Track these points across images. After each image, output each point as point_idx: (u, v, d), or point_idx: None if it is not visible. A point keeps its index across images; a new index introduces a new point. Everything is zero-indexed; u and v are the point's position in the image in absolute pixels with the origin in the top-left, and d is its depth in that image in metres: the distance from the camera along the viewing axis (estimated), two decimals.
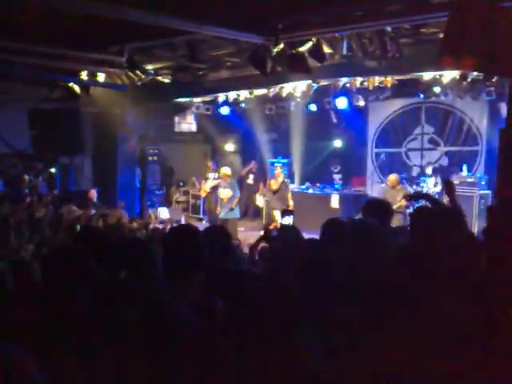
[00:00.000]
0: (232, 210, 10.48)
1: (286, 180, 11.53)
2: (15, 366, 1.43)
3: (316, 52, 7.89)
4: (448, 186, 4.53)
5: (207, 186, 12.82)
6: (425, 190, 11.39)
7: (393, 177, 10.05)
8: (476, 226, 10.16)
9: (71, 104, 11.53)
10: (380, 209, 4.25)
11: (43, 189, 11.40)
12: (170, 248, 2.81)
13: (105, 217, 8.88)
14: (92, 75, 10.06)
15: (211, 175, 12.76)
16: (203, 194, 13.26)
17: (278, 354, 2.12)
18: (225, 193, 10.56)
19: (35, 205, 9.58)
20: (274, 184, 11.22)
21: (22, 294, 2.93)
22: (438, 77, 9.74)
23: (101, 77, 10.12)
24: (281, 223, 5.16)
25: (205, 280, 2.69)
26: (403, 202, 9.59)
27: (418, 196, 4.78)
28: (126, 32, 7.98)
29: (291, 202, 11.01)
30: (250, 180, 14.73)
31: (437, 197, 11.50)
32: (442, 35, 7.61)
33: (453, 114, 12.48)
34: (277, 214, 10.54)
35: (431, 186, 11.58)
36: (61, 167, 12.74)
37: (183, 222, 13.67)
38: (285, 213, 5.52)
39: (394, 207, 9.39)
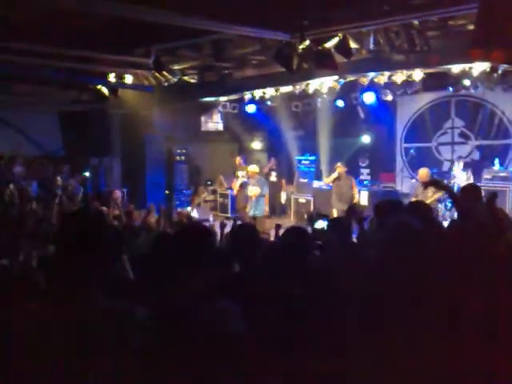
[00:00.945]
0: (260, 207, 10.49)
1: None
2: None
3: (342, 47, 7.83)
4: (490, 200, 4.37)
5: (238, 184, 12.83)
6: (456, 186, 11.20)
7: (423, 171, 9.90)
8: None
9: (100, 106, 11.70)
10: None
11: (76, 189, 11.57)
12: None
13: (129, 214, 8.99)
14: (120, 77, 10.19)
15: (240, 173, 12.75)
16: (235, 192, 13.24)
17: None
18: (253, 190, 10.58)
19: (65, 204, 9.73)
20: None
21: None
22: (467, 69, 9.56)
23: (128, 78, 10.24)
24: (313, 228, 5.09)
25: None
26: (435, 197, 9.45)
27: (434, 184, 4.61)
28: (152, 33, 8.06)
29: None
30: (273, 177, 14.73)
31: None
32: (470, 27, 7.51)
33: (483, 107, 12.24)
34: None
35: (463, 180, 11.37)
36: (91, 169, 12.93)
37: (211, 220, 13.74)
38: (318, 217, 5.42)
39: (427, 202, 9.28)
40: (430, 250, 3.02)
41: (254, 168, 10.92)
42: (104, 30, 7.82)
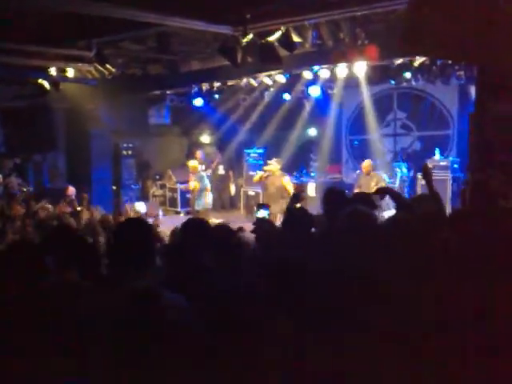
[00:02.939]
0: (202, 201, 10.55)
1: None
2: None
3: (285, 41, 7.89)
4: (425, 171, 4.52)
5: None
6: (398, 176, 11.53)
7: (366, 163, 10.13)
8: (449, 208, 10.31)
9: (42, 101, 11.38)
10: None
11: (16, 187, 11.25)
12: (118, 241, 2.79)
13: (79, 213, 8.82)
14: (61, 71, 9.94)
15: (200, 167, 12.63)
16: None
17: None
18: (192, 185, 10.66)
19: (9, 203, 9.47)
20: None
21: None
22: (407, 62, 9.82)
23: (70, 72, 10.00)
24: (256, 217, 5.19)
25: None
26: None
27: (382, 192, 4.76)
28: (93, 26, 7.90)
29: None
30: (221, 170, 14.80)
31: (409, 181, 11.71)
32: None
33: (424, 99, 12.62)
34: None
35: (405, 171, 11.73)
36: (34, 165, 12.59)
37: (161, 215, 13.64)
38: (260, 206, 5.55)
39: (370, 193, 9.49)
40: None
41: (193, 163, 10.94)
42: (44, 22, 7.62)
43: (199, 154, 13.94)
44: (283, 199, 9.29)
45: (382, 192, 4.61)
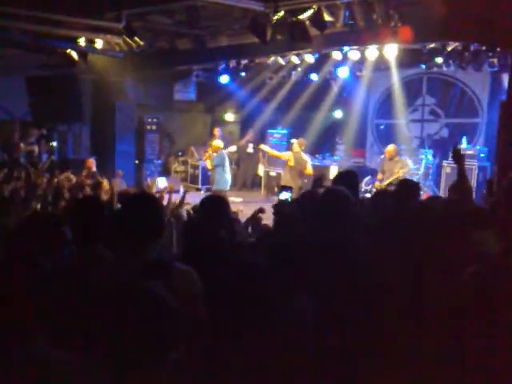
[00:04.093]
0: (219, 181, 10.47)
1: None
2: None
3: (316, 20, 7.76)
4: (457, 154, 4.31)
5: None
6: (423, 162, 11.36)
7: (390, 148, 10.00)
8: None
9: (69, 71, 11.39)
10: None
11: (41, 156, 11.34)
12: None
13: (99, 185, 8.84)
14: (90, 42, 9.92)
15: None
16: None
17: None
18: (209, 165, 10.61)
19: (31, 173, 9.52)
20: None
21: None
22: (440, 47, 9.60)
23: (99, 43, 9.97)
24: (278, 198, 5.15)
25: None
26: (400, 174, 9.56)
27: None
28: None
29: None
30: (250, 149, 14.70)
31: (434, 169, 11.52)
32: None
33: (454, 86, 12.37)
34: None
35: (430, 158, 11.55)
36: (59, 135, 12.67)
37: (182, 191, 13.65)
38: (282, 188, 5.48)
39: (391, 179, 9.40)
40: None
41: (217, 143, 10.85)
42: None
43: (217, 131, 13.88)
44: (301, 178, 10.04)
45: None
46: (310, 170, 10.17)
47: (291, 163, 10.21)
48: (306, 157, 10.35)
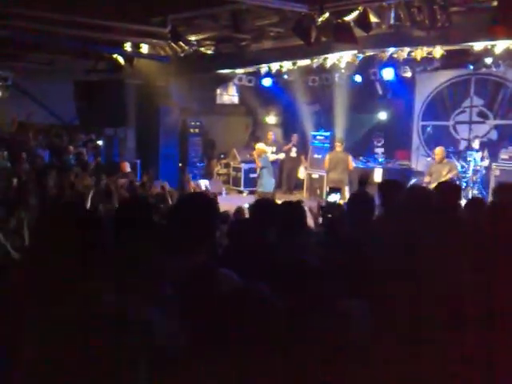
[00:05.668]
0: (262, 184, 10.61)
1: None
2: None
3: (362, 21, 7.67)
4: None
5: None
6: (472, 165, 11.08)
7: (439, 150, 9.79)
8: None
9: (115, 76, 11.62)
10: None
11: (89, 158, 11.59)
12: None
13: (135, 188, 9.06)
14: (135, 47, 10.10)
15: (269, 148, 12.53)
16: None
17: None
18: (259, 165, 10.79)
19: (80, 175, 9.74)
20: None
21: None
22: (489, 47, 9.33)
23: (144, 48, 10.15)
24: (326, 201, 5.12)
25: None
26: (448, 177, 9.36)
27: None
28: (168, 2, 7.95)
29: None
30: (293, 153, 14.65)
31: (484, 172, 11.21)
32: (494, 3, 7.30)
33: (504, 86, 11.99)
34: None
35: (478, 160, 11.24)
36: (106, 139, 12.93)
37: (224, 194, 13.76)
38: (332, 190, 5.45)
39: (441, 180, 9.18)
40: None
41: (261, 146, 10.93)
42: None
43: (271, 135, 13.95)
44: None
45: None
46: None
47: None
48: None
